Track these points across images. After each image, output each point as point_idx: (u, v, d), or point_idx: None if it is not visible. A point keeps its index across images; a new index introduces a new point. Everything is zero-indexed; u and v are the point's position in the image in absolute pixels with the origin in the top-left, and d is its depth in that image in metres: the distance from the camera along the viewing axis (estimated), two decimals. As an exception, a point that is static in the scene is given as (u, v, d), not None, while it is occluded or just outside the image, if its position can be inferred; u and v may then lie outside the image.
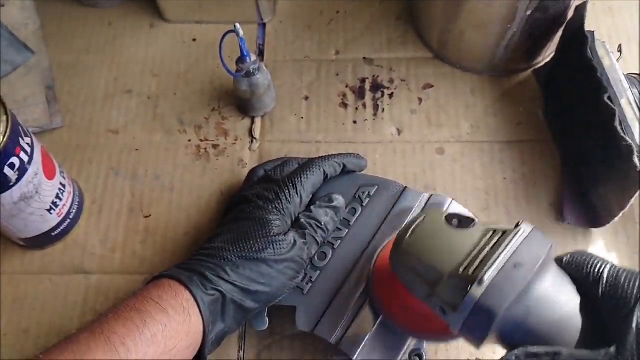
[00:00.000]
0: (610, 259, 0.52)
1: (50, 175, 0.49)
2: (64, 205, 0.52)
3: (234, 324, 0.43)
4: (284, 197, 0.46)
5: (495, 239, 0.35)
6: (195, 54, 0.65)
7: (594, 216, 0.53)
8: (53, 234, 0.53)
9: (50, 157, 0.50)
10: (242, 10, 0.64)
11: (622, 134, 0.47)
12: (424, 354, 0.45)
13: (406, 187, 0.51)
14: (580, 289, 0.35)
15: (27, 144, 0.45)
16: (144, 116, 0.61)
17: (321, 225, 0.47)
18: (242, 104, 0.60)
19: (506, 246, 0.34)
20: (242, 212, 0.46)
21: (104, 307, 0.52)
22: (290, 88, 0.62)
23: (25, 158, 0.45)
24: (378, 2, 0.67)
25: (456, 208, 0.49)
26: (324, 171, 0.49)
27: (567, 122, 0.57)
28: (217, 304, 0.42)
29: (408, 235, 0.38)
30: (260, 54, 0.65)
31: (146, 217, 0.56)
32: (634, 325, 0.31)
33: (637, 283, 0.33)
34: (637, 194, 0.46)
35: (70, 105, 0.62)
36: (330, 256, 0.49)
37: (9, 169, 0.44)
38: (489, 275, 0.33)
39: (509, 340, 0.35)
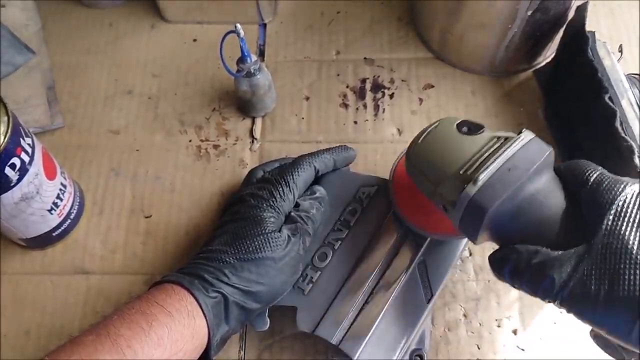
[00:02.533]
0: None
1: (51, 176, 0.49)
2: (64, 205, 0.52)
3: (237, 325, 0.43)
4: (278, 195, 0.47)
5: (497, 144, 0.39)
6: (195, 55, 0.65)
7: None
8: (54, 234, 0.53)
9: (51, 158, 0.50)
10: (243, 10, 0.64)
11: (623, 134, 0.47)
12: (424, 354, 0.45)
13: None
14: (570, 194, 0.37)
15: (28, 144, 0.45)
16: (145, 117, 0.61)
17: (310, 216, 0.48)
18: (243, 105, 0.60)
19: (504, 151, 0.38)
20: (237, 212, 0.47)
21: (104, 308, 0.52)
22: (290, 88, 0.62)
23: (26, 158, 0.45)
24: (379, 3, 0.67)
25: None
26: (315, 167, 0.50)
27: (567, 123, 0.57)
28: (220, 306, 0.42)
29: (421, 138, 0.43)
30: (261, 54, 0.65)
31: (147, 217, 0.56)
32: (603, 226, 0.33)
33: (616, 188, 0.34)
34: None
35: (71, 105, 0.62)
36: (330, 256, 0.49)
37: (9, 169, 0.44)
38: (483, 176, 0.37)
39: (500, 235, 0.38)
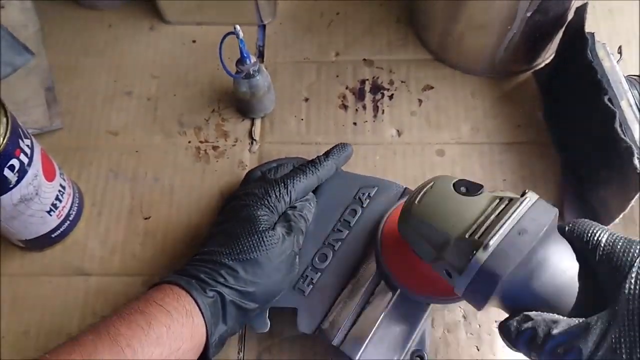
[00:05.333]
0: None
1: (50, 177, 0.49)
2: (63, 206, 0.52)
3: (235, 324, 0.43)
4: (274, 194, 0.46)
5: (502, 206, 0.37)
6: (195, 56, 0.64)
7: (593, 218, 0.52)
8: (53, 235, 0.53)
9: (50, 159, 0.50)
10: (242, 11, 0.64)
11: (622, 136, 0.47)
12: (425, 355, 0.45)
13: (406, 187, 0.51)
14: (580, 256, 0.36)
15: (27, 145, 0.45)
16: (144, 118, 0.61)
17: (302, 215, 0.48)
18: (242, 106, 0.60)
19: (512, 213, 0.36)
20: (231, 212, 0.47)
21: (103, 309, 0.52)
22: (290, 89, 0.62)
23: (25, 160, 0.45)
24: (378, 4, 0.67)
25: None
26: (319, 177, 0.49)
27: (567, 124, 0.57)
28: (217, 305, 0.42)
29: (417, 200, 0.40)
30: (260, 55, 0.65)
31: (146, 218, 0.56)
32: (626, 291, 0.32)
33: (632, 250, 0.33)
34: (637, 195, 0.46)
35: (70, 106, 0.62)
36: (330, 258, 0.49)
37: (8, 170, 0.44)
38: (494, 241, 0.35)
39: (511, 303, 0.36)
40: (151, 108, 0.62)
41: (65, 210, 0.53)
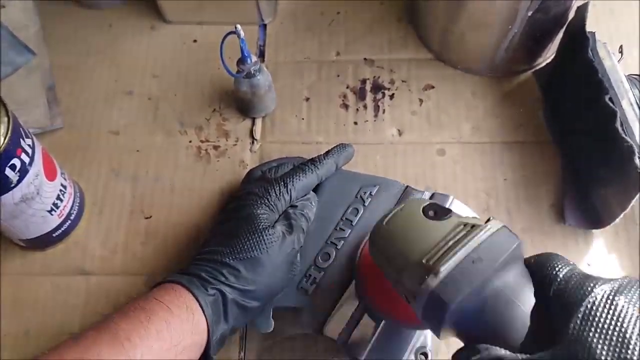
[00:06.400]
0: (611, 260, 0.53)
1: (51, 177, 0.49)
2: (64, 206, 0.52)
3: (236, 323, 0.43)
4: (273, 193, 0.47)
5: (463, 232, 0.36)
6: (195, 55, 0.64)
7: (594, 217, 0.53)
8: (54, 235, 0.53)
9: (51, 158, 0.50)
10: (243, 11, 0.64)
11: (623, 135, 0.47)
12: (429, 353, 0.45)
13: (408, 186, 0.51)
14: (538, 290, 0.34)
15: (28, 145, 0.45)
16: (145, 117, 0.61)
17: (303, 213, 0.48)
18: (243, 105, 0.60)
19: (469, 241, 0.35)
20: (232, 211, 0.47)
21: (104, 308, 0.52)
22: (290, 89, 0.62)
23: (26, 159, 0.45)
24: (379, 3, 0.67)
25: (458, 206, 0.49)
26: (318, 175, 0.49)
27: (567, 123, 0.57)
28: (219, 303, 0.42)
29: (385, 221, 0.40)
30: (261, 55, 0.65)
31: (147, 218, 0.56)
32: (569, 331, 0.30)
33: (585, 287, 0.31)
34: (638, 195, 0.46)
35: (71, 106, 0.62)
36: (333, 257, 0.49)
37: (10, 170, 0.44)
38: (445, 268, 0.34)
39: (464, 332, 0.35)
40: (152, 107, 0.62)
41: (66, 210, 0.53)
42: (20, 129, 0.45)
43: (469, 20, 0.57)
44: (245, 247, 0.43)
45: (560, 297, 0.32)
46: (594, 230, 0.54)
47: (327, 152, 0.51)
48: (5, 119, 0.43)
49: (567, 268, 0.34)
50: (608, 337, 0.29)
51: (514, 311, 0.34)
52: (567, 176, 0.56)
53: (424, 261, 0.36)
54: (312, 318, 0.46)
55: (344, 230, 0.50)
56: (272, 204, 0.46)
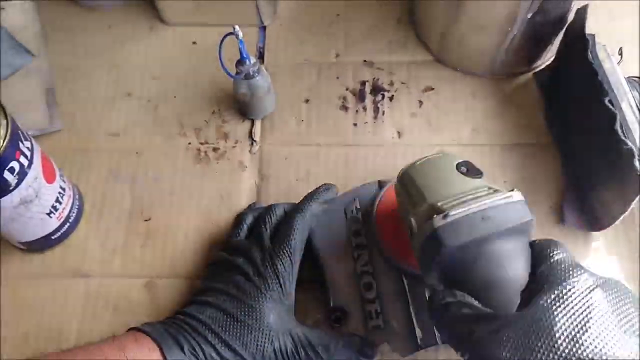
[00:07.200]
0: (611, 262, 0.53)
1: (50, 179, 0.49)
2: (63, 208, 0.52)
3: None
4: (284, 286, 0.45)
5: (484, 193, 0.38)
6: (195, 57, 0.64)
7: (594, 219, 0.53)
8: (53, 237, 0.53)
9: (49, 161, 0.50)
10: (243, 12, 0.64)
11: (623, 137, 0.47)
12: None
13: (379, 180, 0.53)
14: (533, 269, 0.36)
15: (27, 147, 0.45)
16: (144, 119, 0.61)
17: (316, 349, 0.45)
18: (242, 107, 0.60)
19: (485, 200, 0.37)
20: (237, 288, 0.45)
21: (103, 311, 0.52)
22: (290, 91, 0.62)
23: (25, 162, 0.45)
24: (378, 5, 0.67)
25: None
26: (309, 226, 0.49)
27: (567, 126, 0.57)
28: None
29: (418, 162, 0.44)
30: (261, 56, 0.65)
31: (146, 220, 0.56)
32: (541, 302, 0.31)
33: (573, 272, 0.33)
34: (638, 197, 0.46)
35: (70, 108, 0.62)
36: (375, 281, 0.48)
37: (8, 173, 0.44)
38: (454, 213, 0.36)
39: (449, 280, 0.37)
40: (151, 109, 0.62)
41: (66, 212, 0.53)
42: (19, 131, 0.45)
43: (469, 22, 0.57)
44: (243, 340, 0.43)
45: (546, 275, 0.34)
46: (593, 232, 0.53)
47: (311, 197, 0.51)
48: (4, 121, 0.43)
49: (563, 254, 0.35)
50: (571, 319, 0.30)
51: (502, 276, 0.35)
52: (566, 178, 0.56)
53: (439, 204, 0.38)
54: (403, 342, 0.46)
55: (362, 254, 0.49)
56: (281, 297, 0.45)
